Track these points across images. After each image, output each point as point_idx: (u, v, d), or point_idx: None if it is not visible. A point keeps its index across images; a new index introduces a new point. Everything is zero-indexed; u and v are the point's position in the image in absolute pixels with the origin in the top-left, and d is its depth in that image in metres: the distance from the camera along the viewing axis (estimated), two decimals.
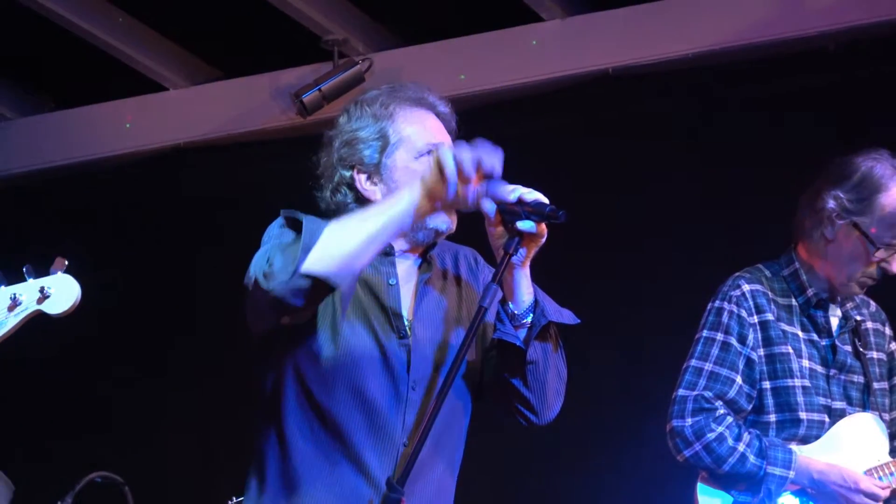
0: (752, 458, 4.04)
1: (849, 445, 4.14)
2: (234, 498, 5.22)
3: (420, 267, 3.36)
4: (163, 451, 6.69)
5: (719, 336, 4.16)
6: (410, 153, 3.34)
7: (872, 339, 4.27)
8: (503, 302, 3.23)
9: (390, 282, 3.31)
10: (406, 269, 3.35)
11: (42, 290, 2.97)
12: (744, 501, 4.08)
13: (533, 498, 6.08)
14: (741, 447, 4.05)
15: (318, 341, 3.26)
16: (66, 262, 2.98)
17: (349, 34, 6.66)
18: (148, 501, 5.74)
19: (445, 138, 3.38)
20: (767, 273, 4.26)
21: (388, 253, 3.32)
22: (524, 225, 3.12)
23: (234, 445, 6.56)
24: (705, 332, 4.19)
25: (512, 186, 3.15)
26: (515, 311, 3.22)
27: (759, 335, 4.16)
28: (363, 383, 3.23)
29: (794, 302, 4.21)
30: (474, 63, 6.55)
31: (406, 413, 3.24)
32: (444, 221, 3.31)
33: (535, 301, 3.24)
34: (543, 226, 3.14)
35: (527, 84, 6.50)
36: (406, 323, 3.29)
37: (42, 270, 3.00)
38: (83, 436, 6.74)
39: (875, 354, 4.26)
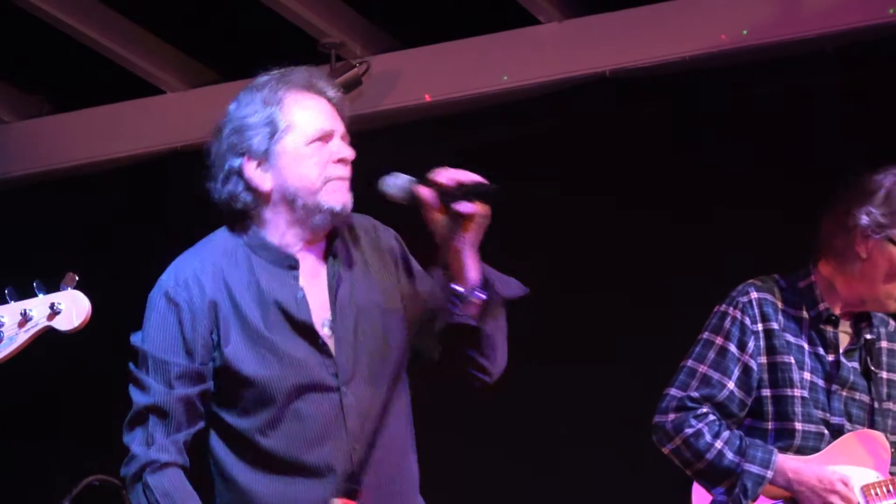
0: (729, 455, 4.05)
1: (850, 460, 4.13)
2: None
3: (326, 259, 3.34)
4: None
5: (718, 340, 4.17)
6: (300, 139, 3.31)
7: (885, 358, 4.26)
8: (450, 282, 3.21)
9: (298, 296, 3.30)
10: (312, 268, 3.33)
11: (52, 305, 2.98)
12: (721, 500, 4.08)
13: (532, 498, 6.07)
14: (719, 444, 4.06)
15: (242, 377, 3.26)
16: (77, 278, 2.98)
17: (347, 37, 6.66)
18: None
19: (337, 124, 3.35)
20: (782, 283, 4.25)
21: (292, 266, 3.30)
22: (463, 206, 3.13)
23: None
24: (706, 335, 4.20)
25: (446, 171, 3.16)
26: (464, 292, 3.20)
27: (762, 343, 4.16)
28: (296, 406, 3.23)
29: (804, 314, 4.21)
30: (472, 66, 6.55)
31: (347, 418, 3.24)
32: (339, 200, 3.29)
33: (485, 279, 3.24)
34: (483, 205, 3.14)
35: (524, 87, 6.50)
36: (324, 330, 3.28)
37: (52, 286, 3.00)
38: (80, 439, 6.73)
39: (886, 375, 4.25)
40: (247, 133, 3.34)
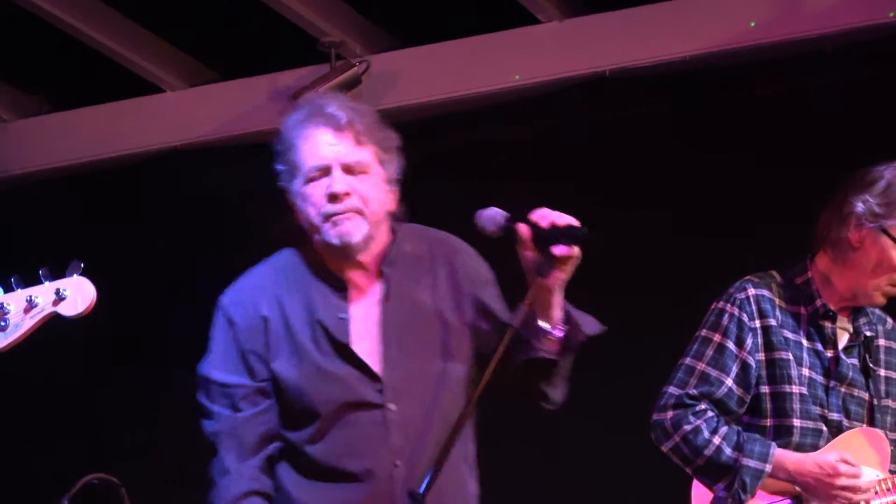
0: (727, 450, 4.05)
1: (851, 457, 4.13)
2: None
3: (381, 277, 3.43)
4: (160, 452, 6.68)
5: (716, 337, 4.17)
6: (301, 180, 3.42)
7: (884, 356, 4.26)
8: (535, 318, 3.31)
9: (339, 316, 3.39)
10: (363, 288, 3.43)
11: (57, 291, 3.02)
12: (721, 496, 4.08)
13: (530, 498, 6.07)
14: (717, 440, 4.06)
15: (288, 392, 3.37)
16: (82, 265, 3.02)
17: (347, 36, 6.66)
18: None
19: (335, 156, 3.40)
20: (779, 279, 4.25)
21: (340, 287, 3.41)
22: (558, 249, 3.21)
23: None
24: (704, 332, 4.20)
25: (544, 211, 3.25)
26: (549, 329, 3.31)
27: (760, 340, 4.16)
28: (339, 421, 3.33)
29: (802, 310, 4.21)
30: (472, 65, 6.55)
31: (389, 435, 3.32)
32: (335, 235, 3.38)
33: (568, 315, 3.34)
34: (575, 248, 3.23)
35: (524, 86, 6.50)
36: (365, 349, 3.36)
37: (58, 273, 3.02)
38: (79, 437, 6.73)
39: (884, 372, 4.24)
40: (279, 171, 3.51)
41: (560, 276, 3.27)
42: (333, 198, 3.37)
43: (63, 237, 6.83)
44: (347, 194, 3.37)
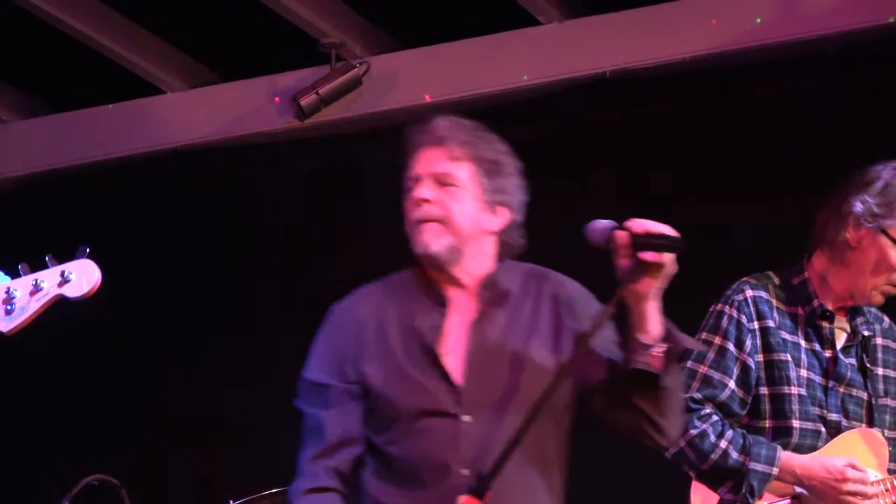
0: (734, 454, 4.04)
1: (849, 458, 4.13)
2: (232, 501, 5.22)
3: (484, 297, 3.52)
4: (160, 453, 6.68)
5: (717, 340, 4.16)
6: (406, 192, 3.54)
7: (881, 355, 4.25)
8: (631, 333, 3.36)
9: (434, 325, 3.48)
10: (464, 305, 3.51)
11: (62, 274, 3.09)
12: (728, 499, 4.08)
13: None
14: (723, 444, 4.05)
15: (374, 393, 3.47)
16: (88, 249, 3.05)
17: (347, 37, 6.66)
18: None
19: (426, 167, 3.52)
20: (776, 280, 4.24)
21: (441, 303, 3.50)
22: (646, 255, 3.27)
23: (232, 448, 6.58)
24: (704, 335, 4.19)
25: (640, 220, 3.32)
26: (646, 342, 3.35)
27: (759, 341, 4.15)
28: (416, 426, 3.41)
29: (800, 311, 4.20)
30: (472, 67, 6.56)
31: (461, 445, 3.38)
32: (418, 244, 3.49)
33: (667, 330, 3.36)
34: (667, 256, 3.29)
35: (524, 87, 6.50)
36: (451, 360, 3.44)
37: (65, 258, 3.06)
38: (80, 438, 6.73)
39: (881, 371, 4.24)
40: None
41: (651, 284, 3.31)
42: (417, 203, 3.49)
43: (63, 238, 6.79)
44: (428, 201, 3.48)
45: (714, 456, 4.05)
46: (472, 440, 3.38)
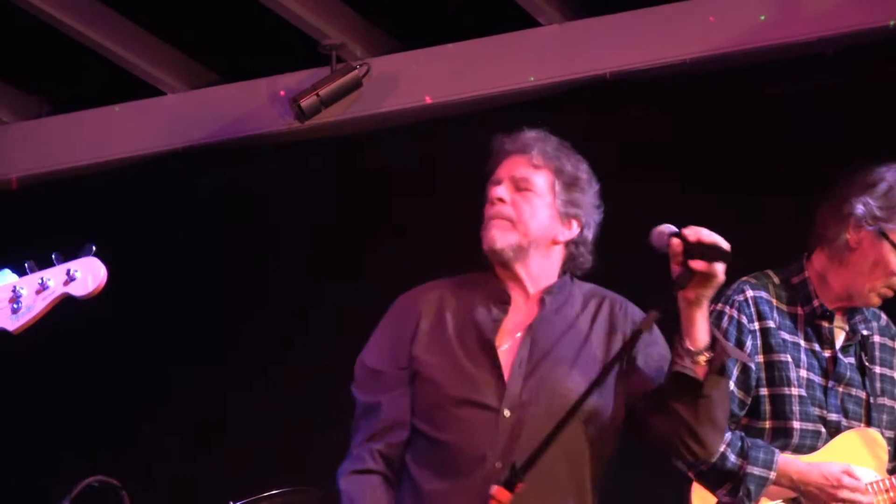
0: (731, 457, 4.04)
1: (848, 458, 4.12)
2: (232, 502, 5.21)
3: (546, 301, 3.61)
4: (160, 455, 6.68)
5: None
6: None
7: (878, 353, 4.25)
8: (679, 338, 3.44)
9: (494, 318, 3.57)
10: (530, 303, 3.61)
11: (68, 272, 3.09)
12: (726, 502, 4.07)
13: None
14: (721, 446, 4.04)
15: (422, 376, 3.57)
16: (94, 248, 3.06)
17: (347, 39, 6.66)
18: None
19: (506, 172, 3.68)
20: (776, 280, 4.24)
21: (504, 301, 3.60)
22: (695, 263, 3.36)
23: (231, 449, 6.58)
24: None
25: (695, 228, 3.41)
26: (691, 348, 3.42)
27: (759, 342, 4.15)
28: (458, 414, 3.49)
29: (799, 311, 4.20)
30: (473, 68, 6.55)
31: (499, 438, 3.45)
32: (484, 239, 3.63)
33: (714, 339, 3.43)
34: (716, 266, 3.37)
35: (525, 89, 6.50)
36: (504, 354, 3.52)
37: (72, 256, 3.10)
38: (80, 440, 6.73)
39: (878, 370, 4.24)
40: None
41: (699, 292, 3.39)
42: (492, 202, 3.64)
43: (63, 240, 6.79)
44: (503, 200, 3.62)
45: (712, 459, 4.04)
46: (511, 435, 3.44)
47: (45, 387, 6.90)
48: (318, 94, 6.62)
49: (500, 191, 3.63)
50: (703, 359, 3.41)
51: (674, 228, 3.46)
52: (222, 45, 6.89)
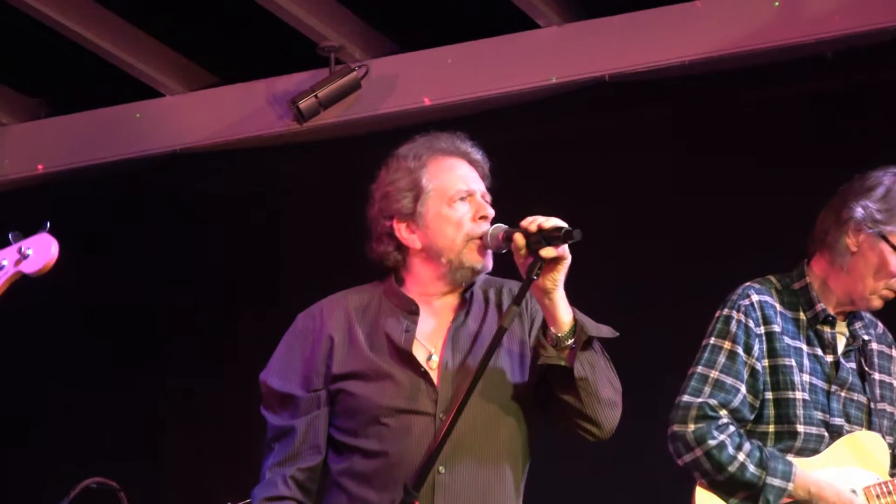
0: (751, 467, 4.03)
1: (850, 462, 4.12)
2: (231, 502, 5.21)
3: (459, 305, 3.60)
4: (159, 456, 6.68)
5: (726, 345, 4.14)
6: (442, 201, 3.57)
7: (877, 360, 4.25)
8: (546, 328, 3.44)
9: (406, 329, 3.54)
10: (439, 313, 3.59)
11: (20, 250, 3.08)
12: None
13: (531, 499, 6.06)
14: (741, 456, 4.03)
15: (346, 393, 3.52)
16: (49, 224, 3.06)
17: (346, 41, 6.66)
18: None
19: (477, 185, 3.62)
20: (778, 285, 4.24)
21: (412, 311, 3.56)
22: (546, 252, 3.35)
23: (230, 450, 6.58)
24: (712, 340, 4.17)
25: (531, 218, 3.40)
26: (558, 335, 3.43)
27: (765, 346, 4.14)
28: (392, 423, 3.46)
29: (801, 316, 4.20)
30: (471, 70, 6.56)
31: (438, 441, 3.41)
32: (478, 260, 3.55)
33: (574, 321, 3.44)
34: (564, 248, 3.37)
35: (523, 91, 6.50)
36: (429, 362, 3.51)
37: (30, 234, 3.11)
38: (78, 441, 6.73)
39: (878, 376, 4.24)
40: (395, 196, 3.63)
41: (552, 276, 3.39)
42: (484, 219, 3.56)
43: (62, 241, 6.81)
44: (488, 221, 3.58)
45: (731, 468, 4.03)
46: (448, 439, 3.42)
47: (45, 388, 6.90)
48: (316, 96, 6.63)
49: (488, 208, 3.59)
50: (571, 342, 3.42)
51: (502, 226, 3.49)
52: (221, 47, 6.89)
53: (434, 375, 3.50)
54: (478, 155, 3.67)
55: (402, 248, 3.61)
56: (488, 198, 3.61)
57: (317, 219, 6.72)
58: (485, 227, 3.54)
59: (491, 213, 3.57)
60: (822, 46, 6.00)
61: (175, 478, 6.63)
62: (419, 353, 3.52)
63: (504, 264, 3.59)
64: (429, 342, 3.54)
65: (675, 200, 6.09)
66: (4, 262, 3.07)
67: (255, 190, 6.91)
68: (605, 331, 3.51)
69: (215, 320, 6.76)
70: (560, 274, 3.40)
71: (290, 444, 3.52)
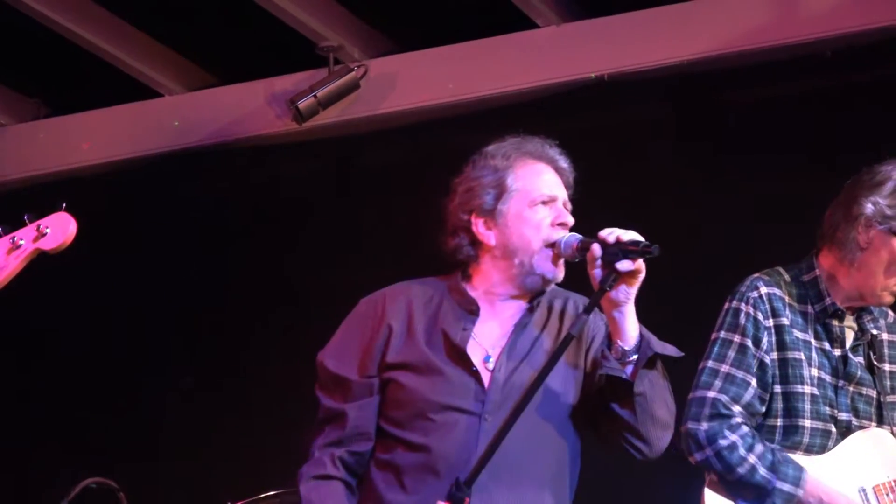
0: (762, 470, 4.01)
1: (860, 460, 4.11)
2: (230, 502, 5.22)
3: (523, 310, 3.61)
4: (158, 456, 6.68)
5: (736, 338, 4.12)
6: (524, 202, 3.60)
7: (887, 350, 4.24)
8: (611, 340, 3.47)
9: (464, 328, 3.56)
10: (504, 311, 3.60)
11: (38, 228, 3.15)
12: None
13: None
14: (752, 458, 4.01)
15: (397, 384, 3.55)
16: (64, 204, 3.09)
17: (344, 41, 6.67)
18: None
19: (560, 192, 3.65)
20: (787, 277, 4.22)
21: (472, 312, 3.59)
22: (622, 265, 3.39)
23: (229, 450, 6.58)
24: (722, 333, 4.15)
25: (609, 229, 3.44)
26: (625, 348, 3.46)
27: (774, 339, 4.13)
28: (437, 418, 3.48)
29: (810, 309, 4.18)
30: (470, 69, 6.56)
31: (479, 443, 3.44)
32: (551, 270, 3.58)
33: (641, 336, 3.47)
34: (640, 262, 3.42)
35: (522, 90, 6.51)
36: (482, 362, 3.53)
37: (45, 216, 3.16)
38: (78, 441, 6.73)
39: (888, 367, 4.23)
40: (477, 192, 3.64)
41: (625, 290, 3.43)
42: (563, 225, 3.59)
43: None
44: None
45: (741, 470, 4.02)
46: (487, 439, 3.43)
47: (44, 388, 6.90)
48: (315, 96, 6.63)
49: (568, 216, 3.63)
50: (634, 358, 3.45)
51: (579, 236, 3.52)
52: (220, 47, 6.89)
53: (485, 376, 3.51)
54: (564, 163, 3.72)
55: (475, 244, 3.62)
56: (569, 206, 3.64)
57: (316, 218, 6.72)
58: (562, 233, 3.56)
59: (570, 221, 3.60)
60: (821, 45, 6.01)
61: (175, 478, 6.63)
62: (474, 353, 3.54)
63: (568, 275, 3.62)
64: (487, 343, 3.57)
65: (675, 199, 6.09)
66: (22, 241, 3.11)
67: (255, 190, 6.91)
68: (670, 349, 3.54)
69: (215, 320, 6.76)
70: (634, 287, 3.45)
71: (340, 428, 3.54)
